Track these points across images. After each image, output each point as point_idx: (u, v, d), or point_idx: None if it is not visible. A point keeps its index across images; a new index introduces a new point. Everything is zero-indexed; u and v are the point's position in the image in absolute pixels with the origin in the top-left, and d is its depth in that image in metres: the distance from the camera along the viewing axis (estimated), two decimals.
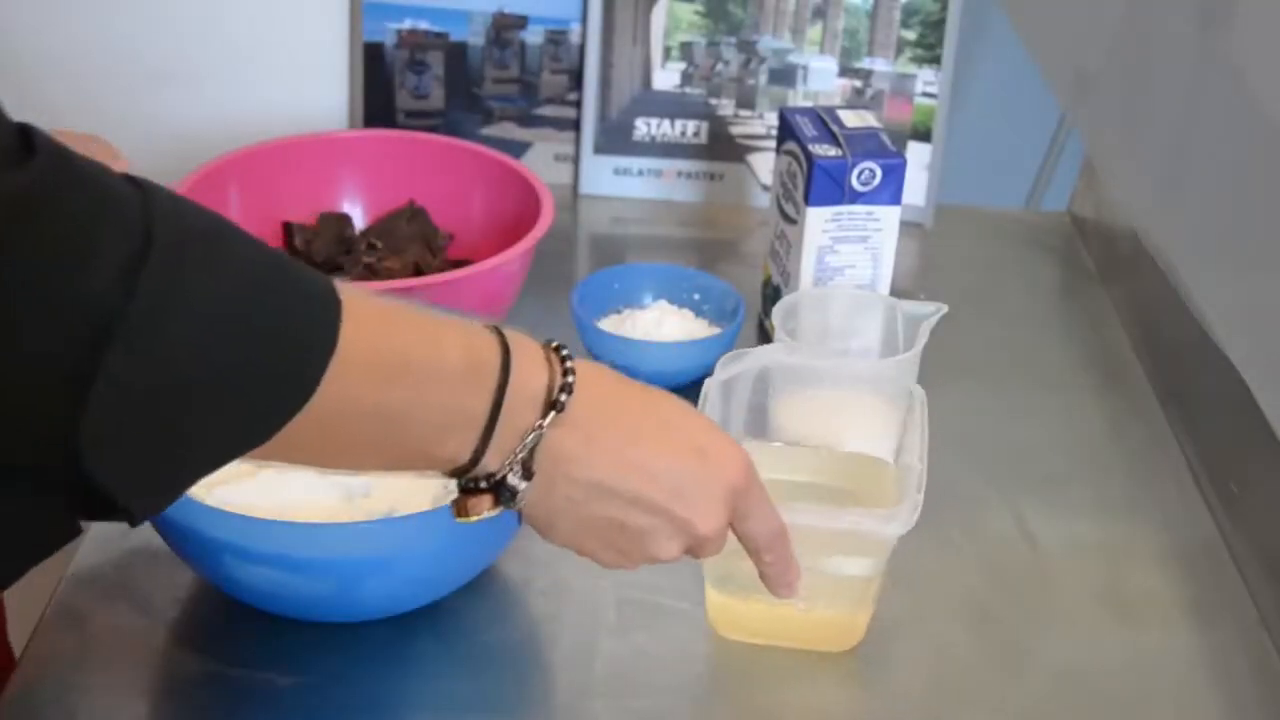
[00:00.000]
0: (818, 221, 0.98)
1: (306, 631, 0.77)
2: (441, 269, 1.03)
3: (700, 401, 0.77)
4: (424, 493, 0.80)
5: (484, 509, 0.64)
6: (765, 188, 1.28)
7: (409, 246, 1.05)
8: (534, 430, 0.62)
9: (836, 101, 1.27)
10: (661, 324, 1.01)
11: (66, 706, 0.74)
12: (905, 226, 1.03)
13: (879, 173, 0.97)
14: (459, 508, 0.65)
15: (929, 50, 1.25)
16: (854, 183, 0.97)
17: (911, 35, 1.25)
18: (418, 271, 1.02)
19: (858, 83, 1.27)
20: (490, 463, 0.63)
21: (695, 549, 0.69)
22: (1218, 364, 0.92)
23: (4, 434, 0.52)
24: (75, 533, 0.58)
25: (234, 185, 1.05)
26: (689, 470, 0.66)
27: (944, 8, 1.24)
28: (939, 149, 1.26)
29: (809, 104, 1.26)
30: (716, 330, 1.02)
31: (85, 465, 0.52)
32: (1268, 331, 0.87)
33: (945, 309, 0.89)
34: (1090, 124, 1.27)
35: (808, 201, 0.97)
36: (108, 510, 0.55)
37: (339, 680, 0.76)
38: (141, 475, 0.54)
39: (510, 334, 0.64)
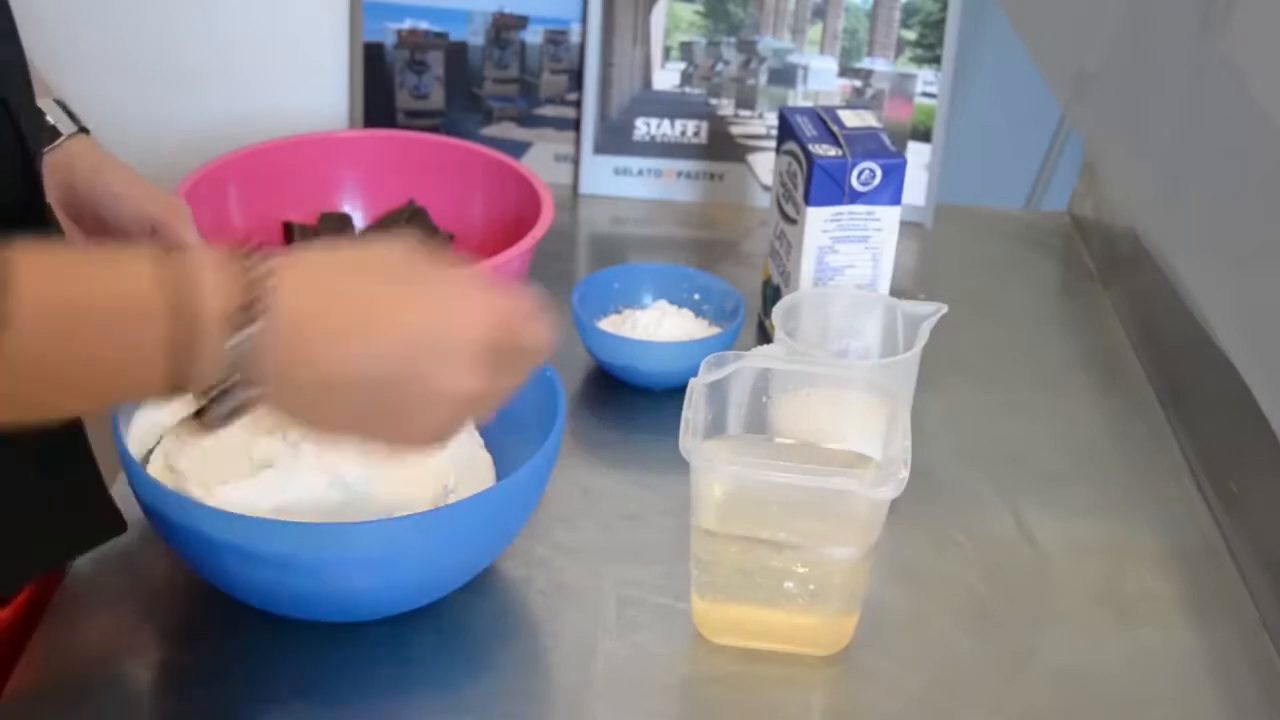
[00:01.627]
0: (818, 221, 0.98)
1: (306, 631, 0.77)
2: None
3: (686, 403, 0.77)
4: (424, 493, 0.80)
5: (220, 422, 0.62)
6: (765, 188, 1.28)
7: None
8: (234, 348, 0.59)
9: (836, 101, 1.27)
10: (661, 324, 1.01)
11: (66, 706, 0.73)
12: (905, 226, 1.03)
13: (879, 173, 0.97)
14: (200, 422, 0.62)
15: (929, 50, 1.25)
16: (854, 183, 0.97)
17: (911, 35, 1.25)
18: None
19: (858, 83, 1.27)
20: (203, 381, 0.60)
21: (476, 412, 0.66)
22: (1218, 364, 0.92)
23: None
24: None
25: (234, 185, 1.05)
26: (416, 343, 0.62)
27: (944, 8, 1.24)
28: (939, 149, 1.26)
29: (809, 104, 1.26)
30: (716, 330, 1.02)
31: None
32: (1268, 331, 0.87)
33: (945, 309, 0.89)
34: (1090, 124, 1.27)
35: (808, 201, 0.97)
36: None
37: (339, 680, 0.76)
38: None
39: (194, 261, 0.60)
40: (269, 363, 0.60)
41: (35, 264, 0.57)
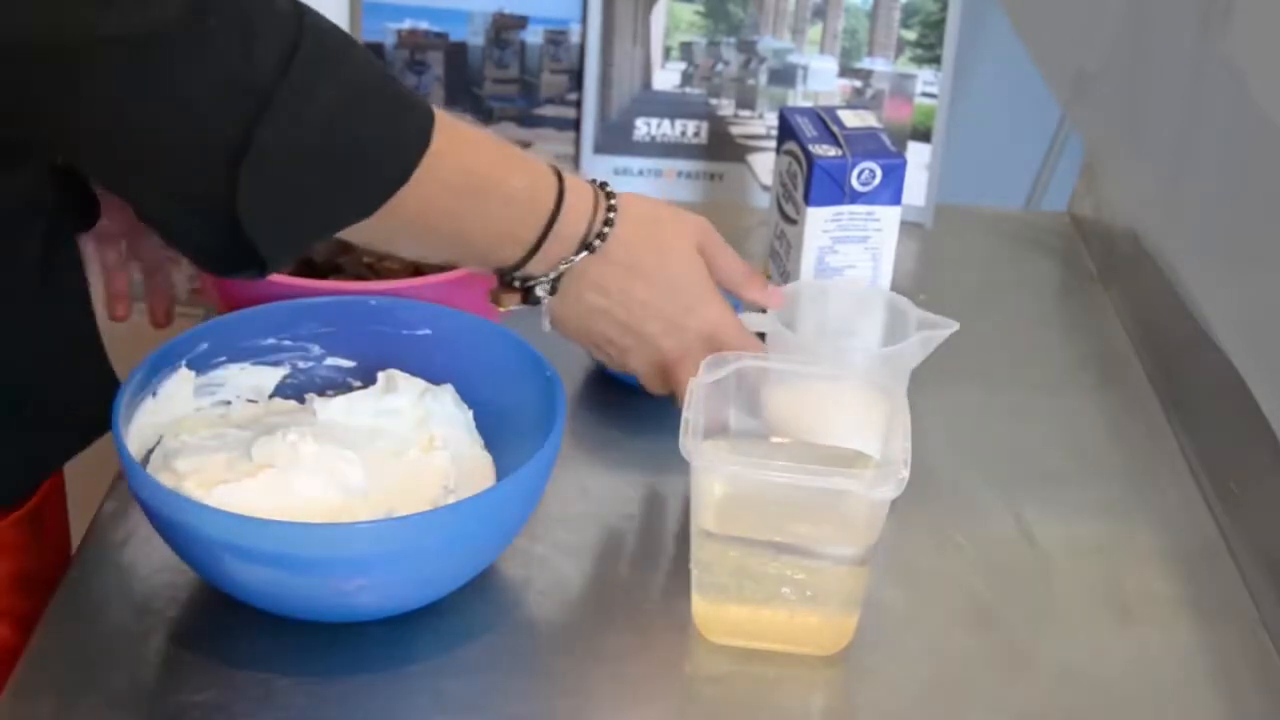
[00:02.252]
0: (818, 221, 0.98)
1: (306, 631, 0.77)
2: (441, 269, 1.02)
3: (686, 403, 0.77)
4: (424, 493, 0.80)
5: (512, 303, 0.84)
6: (765, 188, 1.28)
7: None
8: (567, 261, 0.82)
9: (836, 101, 1.27)
10: None
11: (66, 706, 0.73)
12: (905, 226, 1.03)
13: (879, 173, 0.97)
14: (494, 297, 0.85)
15: (929, 50, 1.25)
16: (854, 183, 0.97)
17: (911, 35, 1.25)
18: (418, 272, 1.02)
19: (858, 83, 1.27)
20: (529, 272, 0.82)
21: (662, 373, 0.88)
22: (1218, 364, 0.92)
23: (180, 183, 0.68)
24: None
25: None
26: (672, 315, 0.86)
27: (944, 8, 1.24)
28: (939, 149, 1.26)
29: (809, 104, 1.26)
30: None
31: (238, 213, 0.67)
32: (1268, 331, 0.87)
33: (955, 326, 0.89)
34: (1090, 124, 1.27)
35: (808, 201, 0.97)
36: (248, 261, 0.70)
37: (339, 680, 0.76)
38: (277, 227, 0.70)
39: (568, 178, 0.81)
40: (578, 277, 0.82)
41: (449, 125, 0.75)
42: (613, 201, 0.83)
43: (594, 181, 0.84)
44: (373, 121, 0.71)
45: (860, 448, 0.81)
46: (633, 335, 0.86)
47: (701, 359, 0.82)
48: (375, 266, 1.02)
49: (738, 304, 1.01)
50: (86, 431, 0.84)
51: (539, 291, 0.83)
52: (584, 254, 0.82)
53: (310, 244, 0.75)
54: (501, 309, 0.85)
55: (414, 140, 0.73)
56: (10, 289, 0.78)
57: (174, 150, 0.67)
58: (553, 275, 0.82)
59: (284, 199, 0.69)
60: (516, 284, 0.83)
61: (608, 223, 0.82)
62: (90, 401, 0.80)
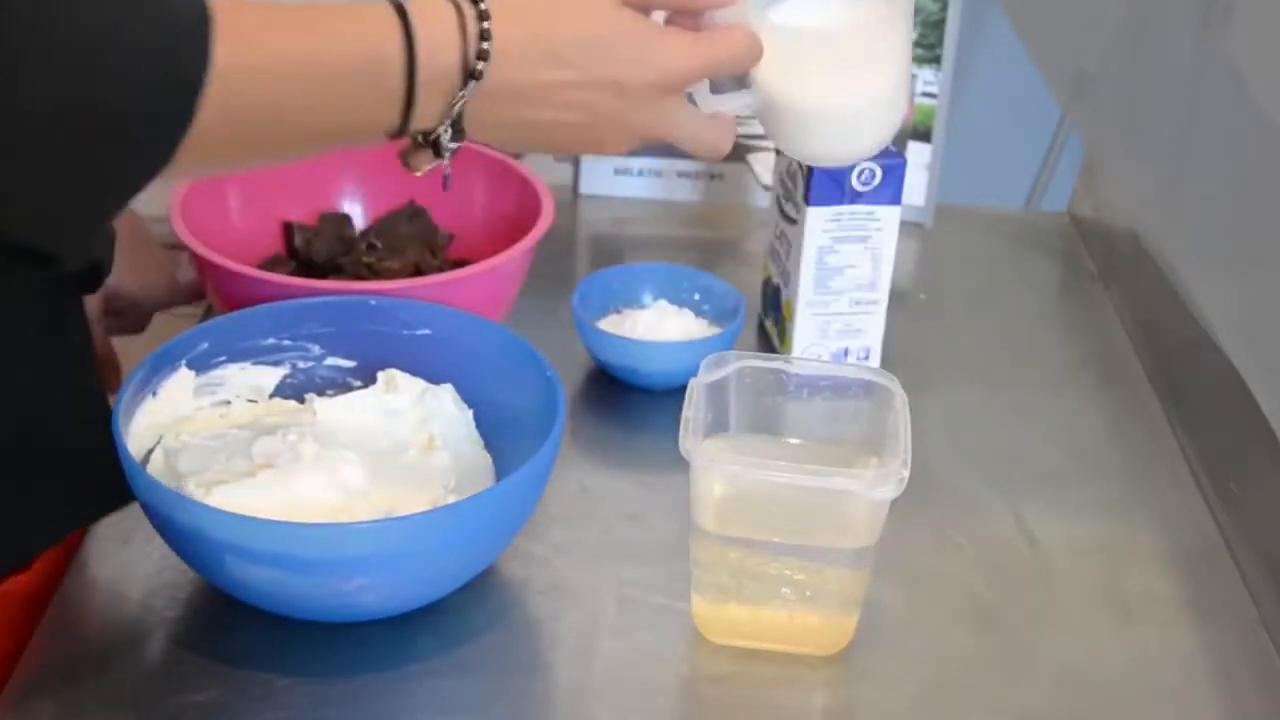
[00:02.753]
0: (818, 221, 0.98)
1: (306, 631, 0.77)
2: (441, 269, 1.03)
3: (686, 403, 0.77)
4: (424, 493, 0.80)
5: (424, 163, 0.71)
6: (765, 188, 1.28)
7: (409, 246, 1.05)
8: (455, 100, 0.67)
9: None
10: (661, 324, 1.01)
11: (66, 706, 0.74)
12: (905, 226, 1.03)
13: (879, 173, 0.97)
14: (404, 160, 0.71)
15: (929, 50, 1.25)
16: (854, 183, 0.97)
17: (912, 35, 1.25)
18: (418, 271, 1.02)
19: None
20: (421, 126, 0.68)
21: (651, 137, 0.76)
22: (1218, 364, 0.92)
23: None
24: None
25: (234, 185, 1.05)
26: (627, 90, 0.72)
27: (944, 8, 1.24)
28: (939, 149, 1.26)
29: None
30: (716, 330, 1.02)
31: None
32: (1268, 331, 0.87)
33: None
34: (1090, 124, 1.27)
35: (808, 201, 0.97)
36: (44, 259, 0.60)
37: (339, 680, 0.76)
38: (46, 220, 0.58)
39: (414, 7, 0.66)
40: (481, 109, 0.68)
41: (237, 21, 0.60)
42: (482, 7, 0.68)
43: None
44: (121, 69, 0.57)
45: (869, 89, 0.77)
46: (587, 128, 0.73)
47: (680, 102, 0.74)
48: (375, 267, 1.03)
49: (736, 312, 1.01)
50: (98, 503, 0.80)
51: (444, 140, 0.69)
52: (472, 84, 0.67)
53: (97, 227, 0.63)
54: (418, 172, 0.72)
55: (186, 67, 0.59)
56: (12, 354, 0.73)
57: None
58: (448, 121, 0.68)
59: (34, 189, 0.57)
60: (420, 140, 0.70)
61: (484, 35, 0.67)
62: (102, 471, 0.75)
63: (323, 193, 1.10)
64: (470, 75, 0.67)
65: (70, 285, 0.78)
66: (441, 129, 0.69)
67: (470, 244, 1.07)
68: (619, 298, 1.05)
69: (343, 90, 0.65)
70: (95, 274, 0.79)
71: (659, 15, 0.76)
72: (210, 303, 1.00)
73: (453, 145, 0.69)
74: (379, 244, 1.05)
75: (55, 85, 0.55)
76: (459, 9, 0.67)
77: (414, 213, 1.08)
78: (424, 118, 0.68)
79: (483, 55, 0.67)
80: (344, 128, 0.67)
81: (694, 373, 0.80)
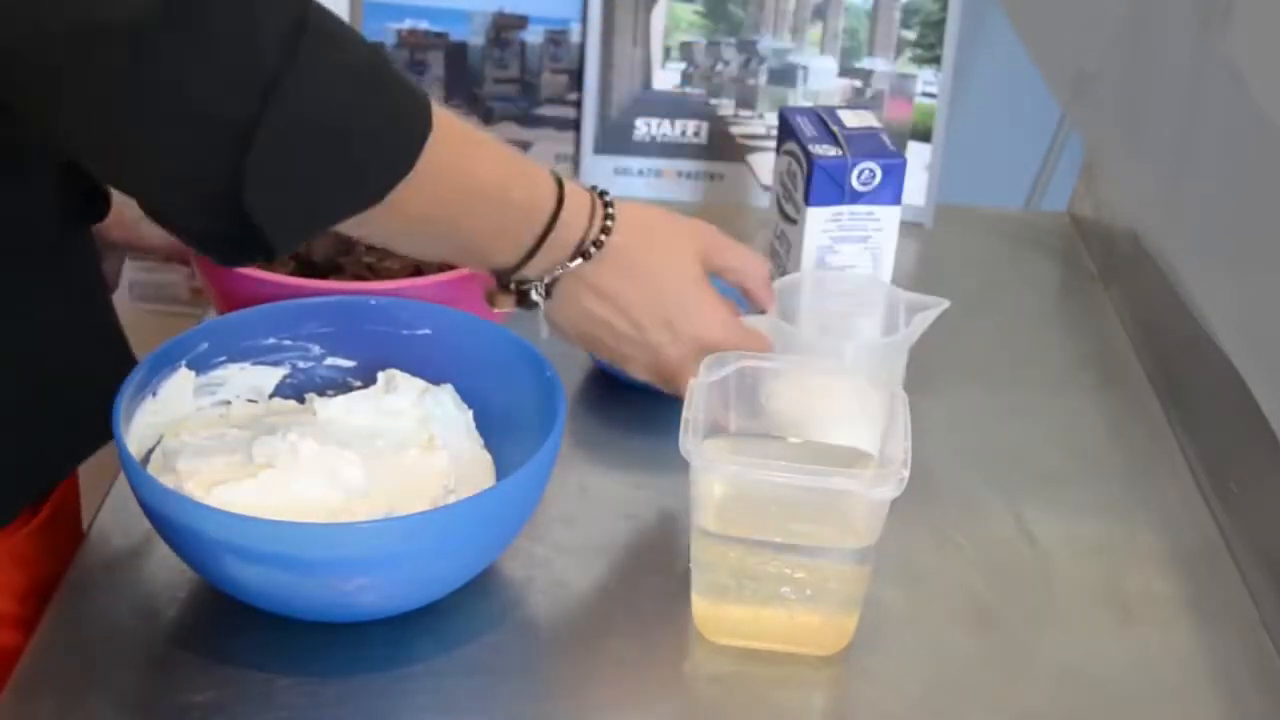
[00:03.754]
0: (818, 221, 0.98)
1: (306, 631, 0.77)
2: (441, 269, 1.02)
3: (686, 403, 0.77)
4: (424, 493, 0.80)
5: (509, 305, 0.84)
6: (765, 188, 1.28)
7: None
8: (563, 265, 0.82)
9: (836, 101, 1.27)
10: None
11: (67, 706, 0.74)
12: (905, 226, 1.03)
13: (879, 173, 0.97)
14: (491, 297, 0.84)
15: (929, 50, 1.25)
16: (854, 183, 0.97)
17: (911, 35, 1.25)
18: (418, 272, 1.02)
19: (858, 83, 1.27)
20: (524, 275, 0.82)
21: (662, 377, 0.88)
22: (1218, 364, 0.92)
23: (185, 173, 0.66)
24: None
25: None
26: (670, 320, 0.85)
27: (944, 8, 1.24)
28: (939, 149, 1.26)
29: (809, 104, 1.26)
30: None
31: (244, 202, 0.66)
32: (1268, 331, 0.87)
33: (946, 304, 0.89)
34: (1090, 124, 1.27)
35: (808, 201, 0.97)
36: (252, 249, 0.69)
37: (339, 680, 0.76)
38: (284, 214, 0.69)
39: (568, 185, 0.81)
40: (573, 285, 0.83)
41: (446, 120, 0.74)
42: (610, 210, 0.83)
43: (593, 189, 0.84)
44: (377, 106, 0.70)
45: (859, 443, 0.82)
46: (630, 342, 0.86)
47: (700, 361, 0.82)
48: (375, 267, 1.02)
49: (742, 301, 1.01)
50: (104, 430, 0.83)
51: (534, 295, 0.82)
52: (579, 260, 0.81)
53: (315, 233, 0.74)
54: (496, 310, 0.84)
55: (418, 127, 0.72)
56: (22, 285, 0.77)
57: (178, 143, 0.65)
58: (548, 280, 0.82)
59: (289, 186, 0.68)
60: (512, 287, 0.83)
61: (605, 230, 0.82)
62: (111, 396, 0.79)
63: None
64: (581, 254, 0.81)
65: (77, 214, 0.82)
66: (538, 283, 0.82)
67: None
68: None
69: (498, 213, 0.79)
70: (103, 200, 0.84)
71: None
72: (210, 301, 1.00)
73: (536, 301, 0.83)
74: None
75: (328, 116, 0.68)
76: (594, 199, 0.83)
77: None
78: (534, 268, 0.81)
79: (598, 244, 0.82)
80: (477, 246, 0.81)
81: (694, 372, 0.80)
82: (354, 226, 0.74)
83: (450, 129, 0.74)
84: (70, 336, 0.82)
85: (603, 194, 0.83)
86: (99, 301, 0.87)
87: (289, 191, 0.68)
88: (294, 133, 0.66)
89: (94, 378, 0.81)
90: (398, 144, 0.71)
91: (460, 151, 0.76)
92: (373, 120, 0.70)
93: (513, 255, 0.81)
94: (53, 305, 0.80)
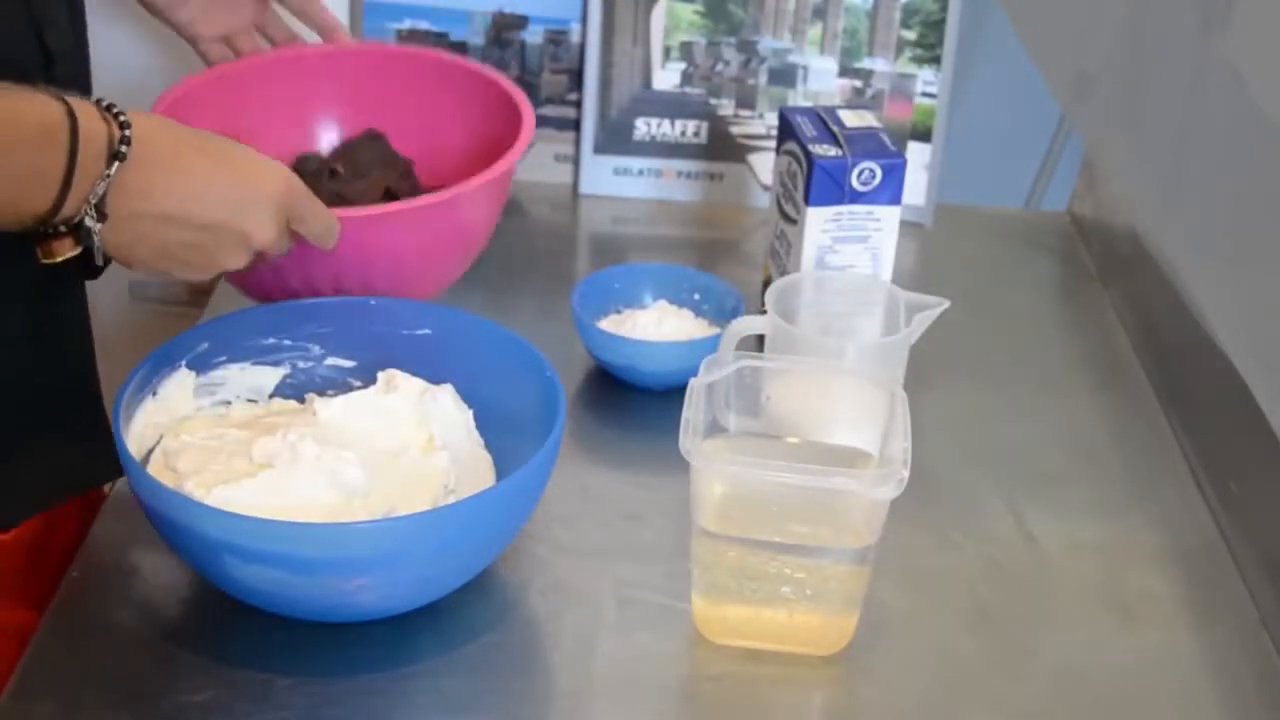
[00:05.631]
0: (818, 221, 0.98)
1: (306, 631, 0.77)
2: (414, 193, 1.01)
3: (686, 403, 0.77)
4: (424, 493, 0.80)
5: (65, 250, 0.75)
6: (765, 188, 1.28)
7: (372, 169, 1.02)
8: (103, 178, 0.73)
9: (836, 101, 1.27)
10: (661, 324, 1.01)
11: (66, 706, 0.74)
12: (905, 226, 1.03)
13: (879, 173, 0.97)
14: (43, 250, 0.74)
15: (929, 50, 1.25)
16: (854, 183, 0.97)
17: (911, 35, 1.25)
18: (390, 195, 1.00)
19: (858, 83, 1.27)
20: (68, 210, 0.73)
21: (263, 253, 0.82)
22: (1218, 364, 0.92)
23: None
24: None
25: (209, 107, 1.02)
26: (234, 192, 0.79)
27: (944, 8, 1.24)
28: (939, 149, 1.26)
29: (809, 104, 1.26)
30: (716, 330, 1.02)
31: None
32: (1268, 331, 0.87)
33: (947, 304, 0.90)
34: (1090, 124, 1.27)
35: (808, 201, 0.97)
36: None
37: (339, 680, 0.76)
38: None
39: (70, 98, 0.72)
40: (121, 194, 0.74)
41: None
42: (117, 110, 0.74)
43: (98, 101, 0.75)
44: None
45: (859, 443, 0.82)
46: (209, 230, 0.78)
47: (280, 225, 0.81)
48: (343, 192, 1.00)
49: (735, 307, 1.01)
50: (70, 485, 0.84)
51: (88, 222, 0.73)
52: (116, 164, 0.73)
53: None
54: (55, 260, 0.75)
55: None
56: (8, 319, 0.77)
57: None
58: (94, 199, 0.73)
59: None
60: (60, 228, 0.74)
61: (123, 125, 0.73)
62: (77, 455, 0.80)
63: (298, 111, 1.06)
64: (115, 155, 0.73)
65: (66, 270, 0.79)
66: (86, 209, 0.73)
67: (446, 168, 1.02)
68: (619, 298, 1.05)
69: (14, 158, 0.70)
70: (92, 263, 0.81)
71: None
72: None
73: (92, 225, 0.74)
74: (340, 169, 1.03)
75: None
76: (99, 105, 0.74)
77: (372, 137, 1.06)
78: (73, 202, 0.72)
79: (125, 140, 0.73)
80: (7, 200, 0.71)
81: (694, 373, 0.80)
82: None
83: None
84: (49, 384, 0.82)
85: (108, 103, 0.75)
86: (83, 356, 0.86)
87: None
88: None
89: (66, 431, 0.82)
90: None
91: None
92: None
93: (46, 195, 0.72)
94: (33, 346, 0.80)
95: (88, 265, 0.78)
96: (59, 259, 0.75)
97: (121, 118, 0.74)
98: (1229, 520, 0.91)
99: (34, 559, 0.85)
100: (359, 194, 0.99)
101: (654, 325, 1.01)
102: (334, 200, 0.98)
